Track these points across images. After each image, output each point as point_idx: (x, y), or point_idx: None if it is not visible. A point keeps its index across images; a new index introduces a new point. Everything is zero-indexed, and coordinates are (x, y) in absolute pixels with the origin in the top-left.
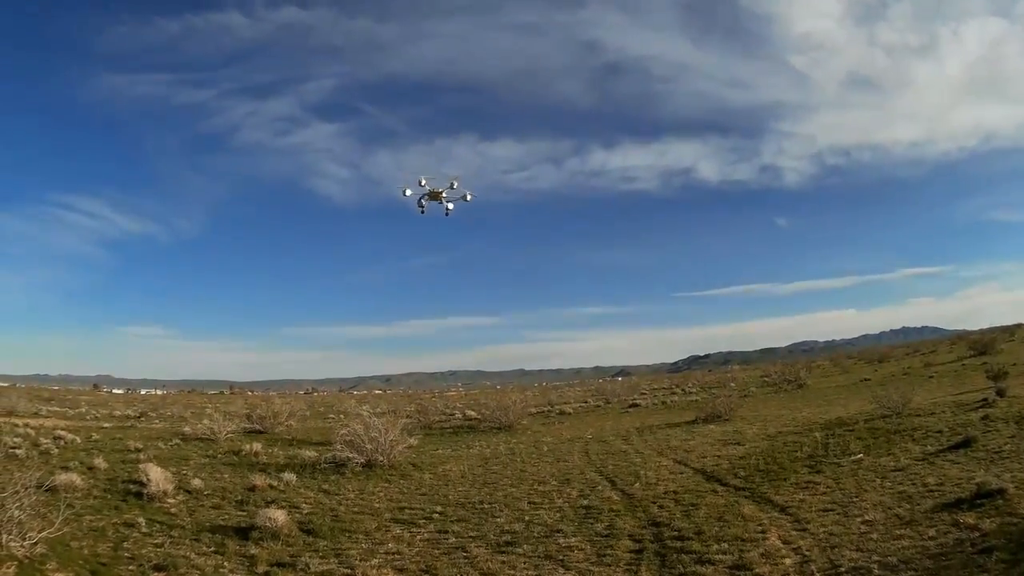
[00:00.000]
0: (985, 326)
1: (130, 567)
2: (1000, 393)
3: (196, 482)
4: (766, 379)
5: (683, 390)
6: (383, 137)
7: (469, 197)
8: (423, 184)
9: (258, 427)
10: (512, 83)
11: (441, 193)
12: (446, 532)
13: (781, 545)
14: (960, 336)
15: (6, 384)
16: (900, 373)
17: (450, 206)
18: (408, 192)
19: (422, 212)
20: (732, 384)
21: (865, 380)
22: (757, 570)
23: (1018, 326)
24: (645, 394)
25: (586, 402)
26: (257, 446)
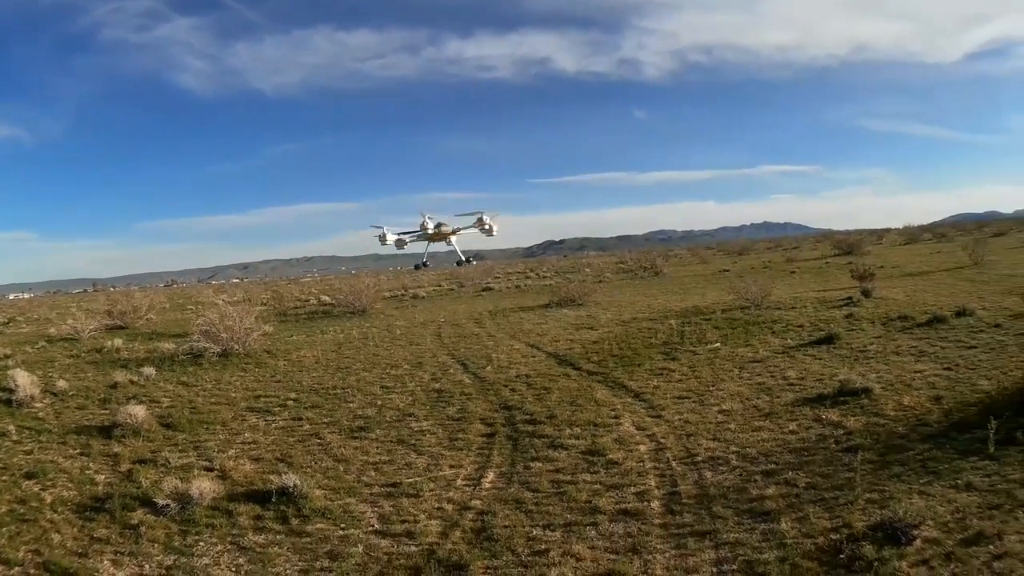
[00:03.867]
0: (854, 228)
1: (3, 477)
2: (866, 293)
3: (61, 383)
4: (622, 266)
5: (537, 275)
6: (241, 30)
7: (495, 230)
8: (426, 224)
9: (119, 323)
10: None
11: (450, 233)
12: (300, 419)
13: (635, 431)
14: (825, 235)
15: None
16: (761, 266)
17: (454, 242)
18: (390, 238)
19: (424, 265)
20: (587, 270)
21: (724, 271)
22: (611, 456)
23: (887, 230)
24: (499, 278)
25: (439, 286)
26: (118, 342)
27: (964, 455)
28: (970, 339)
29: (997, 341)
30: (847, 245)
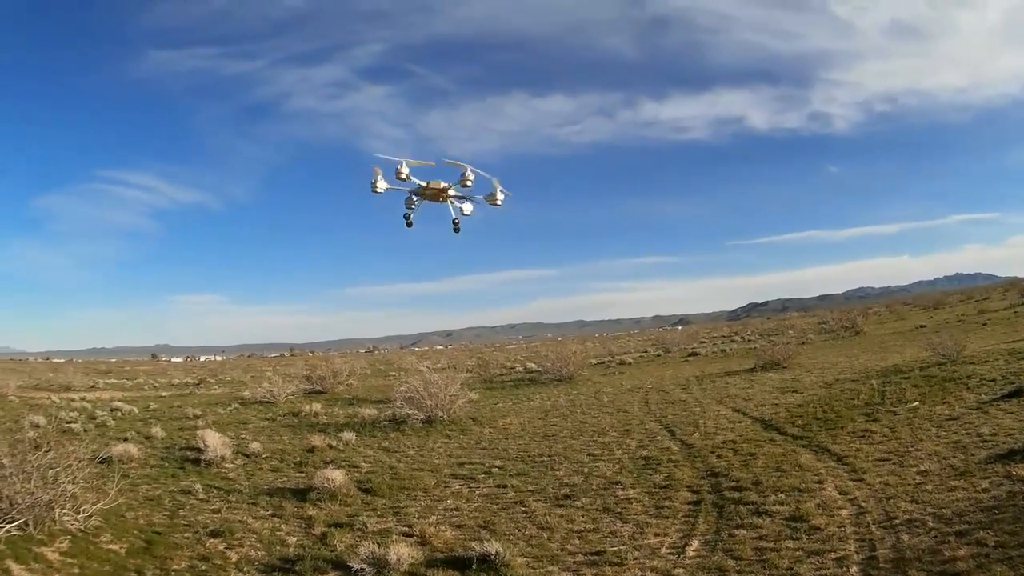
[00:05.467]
0: None
1: (186, 534)
2: None
3: (254, 445)
4: (823, 326)
5: (742, 338)
6: (434, 97)
7: (500, 197)
8: (402, 172)
9: (318, 388)
10: (559, 38)
11: (445, 190)
12: (505, 487)
13: (837, 496)
14: (1012, 283)
15: (63, 360)
16: (954, 320)
17: (466, 209)
18: (381, 186)
19: (409, 222)
20: (790, 331)
21: (920, 327)
22: (813, 521)
23: None
24: (704, 342)
25: (646, 352)
26: (317, 407)
27: None
28: None
29: None
30: None
